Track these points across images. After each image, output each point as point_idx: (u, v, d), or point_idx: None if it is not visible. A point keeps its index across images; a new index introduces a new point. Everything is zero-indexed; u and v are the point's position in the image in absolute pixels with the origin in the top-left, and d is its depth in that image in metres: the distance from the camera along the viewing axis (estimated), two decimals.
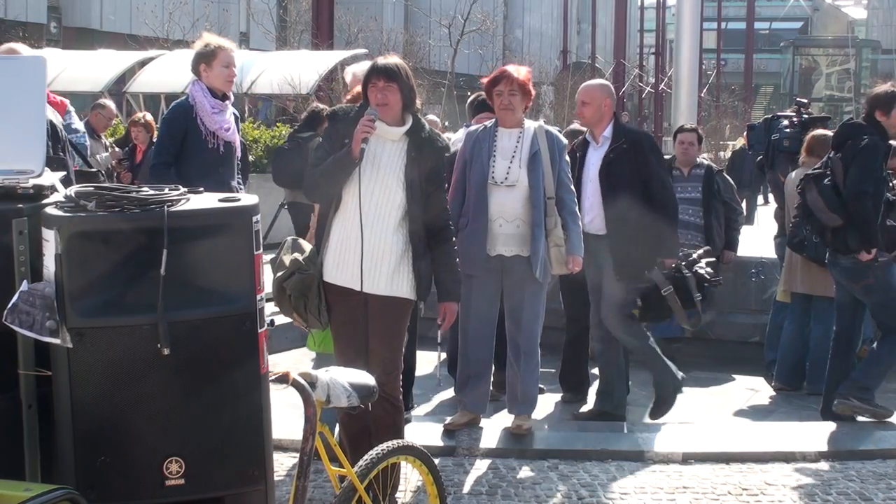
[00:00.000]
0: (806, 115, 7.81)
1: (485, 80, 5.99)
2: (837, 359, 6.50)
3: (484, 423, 6.17)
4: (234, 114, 6.24)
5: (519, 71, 5.84)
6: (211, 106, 5.95)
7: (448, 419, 6.06)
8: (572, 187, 5.90)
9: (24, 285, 3.23)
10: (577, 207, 5.90)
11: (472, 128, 6.05)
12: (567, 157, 5.94)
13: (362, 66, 5.56)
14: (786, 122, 7.79)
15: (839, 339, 6.52)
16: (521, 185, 5.73)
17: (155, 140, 6.43)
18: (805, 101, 8.35)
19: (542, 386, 6.81)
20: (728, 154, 29.19)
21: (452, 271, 4.85)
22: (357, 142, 4.53)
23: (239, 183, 6.37)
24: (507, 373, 6.04)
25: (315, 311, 4.71)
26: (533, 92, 5.84)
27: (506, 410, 6.24)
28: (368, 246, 4.61)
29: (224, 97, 6.06)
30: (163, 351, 3.23)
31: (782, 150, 7.66)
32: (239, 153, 6.27)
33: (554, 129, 6.02)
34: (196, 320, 3.31)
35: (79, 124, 7.66)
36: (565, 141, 5.99)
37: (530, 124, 5.87)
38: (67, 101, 7.54)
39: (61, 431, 3.30)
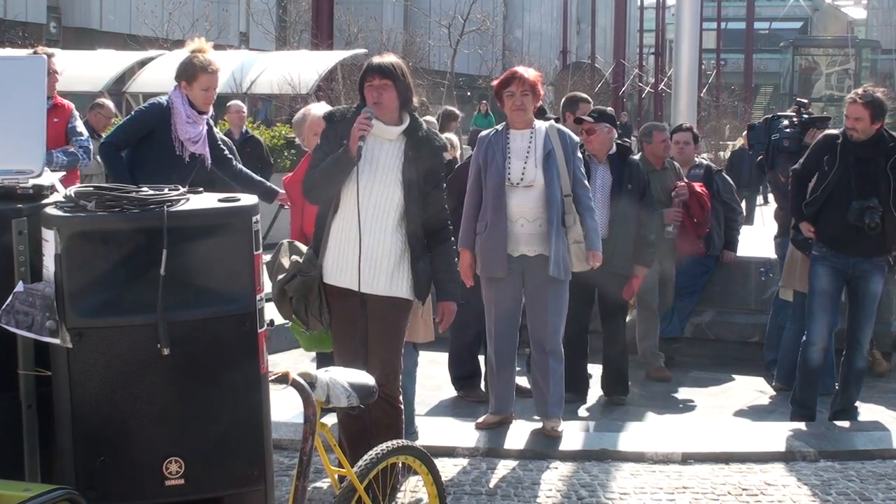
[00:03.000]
0: (806, 116, 7.79)
1: (495, 83, 5.99)
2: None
3: None
4: (209, 123, 6.25)
5: (528, 72, 5.86)
6: (187, 115, 5.98)
7: (480, 419, 6.08)
8: (586, 183, 5.97)
9: (20, 286, 3.23)
10: (592, 203, 5.98)
11: (484, 132, 6.09)
12: (581, 154, 5.99)
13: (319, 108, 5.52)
14: (786, 122, 7.78)
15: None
16: (538, 185, 5.76)
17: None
18: (805, 101, 8.34)
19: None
20: (727, 154, 29.18)
21: (450, 271, 4.85)
22: (354, 140, 4.53)
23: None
24: (532, 374, 6.07)
25: (316, 312, 4.70)
26: (542, 93, 5.88)
27: None
28: (367, 246, 4.60)
29: (201, 111, 6.06)
30: (163, 351, 3.23)
31: (782, 150, 7.64)
32: (209, 163, 6.27)
33: (565, 128, 6.06)
34: (196, 320, 3.31)
35: (83, 128, 7.62)
36: (577, 139, 6.05)
37: (541, 124, 5.91)
38: (73, 105, 7.52)
39: (61, 431, 3.30)
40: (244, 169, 6.61)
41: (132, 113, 6.41)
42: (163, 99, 6.16)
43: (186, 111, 5.97)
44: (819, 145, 6.55)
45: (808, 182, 6.55)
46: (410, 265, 4.69)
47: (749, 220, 17.26)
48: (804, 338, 6.59)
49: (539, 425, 5.99)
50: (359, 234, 4.59)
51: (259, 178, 6.70)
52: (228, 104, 12.99)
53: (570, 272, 5.88)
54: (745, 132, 11.22)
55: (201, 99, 6.05)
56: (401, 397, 4.81)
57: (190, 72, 6.00)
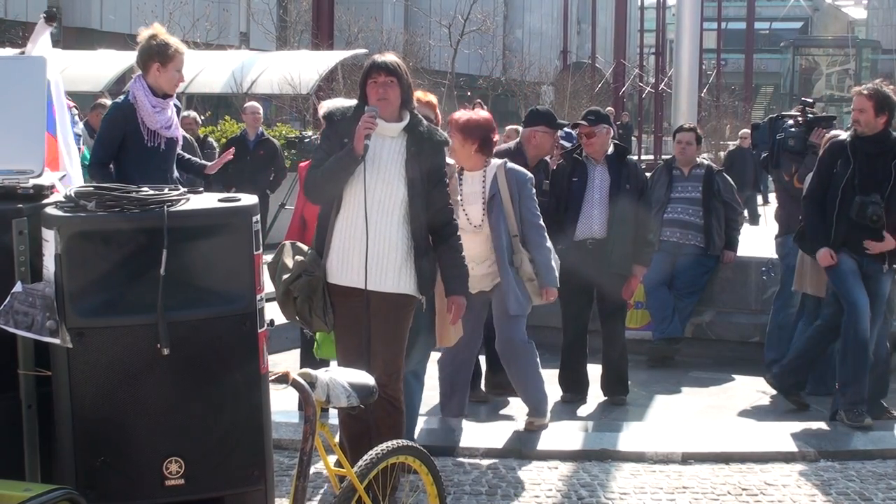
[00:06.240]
0: (811, 115, 7.78)
1: None
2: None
3: (483, 423, 6.22)
4: (176, 105, 6.21)
5: (460, 118, 5.89)
6: (152, 105, 5.90)
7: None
8: (538, 221, 6.03)
9: (18, 286, 3.23)
10: (545, 241, 6.05)
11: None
12: (532, 192, 6.04)
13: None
14: (791, 122, 7.77)
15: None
16: (485, 228, 5.87)
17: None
18: (811, 100, 8.32)
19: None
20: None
21: (457, 266, 4.86)
22: (360, 139, 4.53)
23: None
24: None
25: (320, 312, 4.70)
26: (476, 127, 5.81)
27: (504, 411, 6.57)
28: (373, 244, 4.60)
29: (166, 95, 6.00)
30: (163, 351, 3.23)
31: (787, 150, 7.64)
32: (179, 146, 6.26)
33: (514, 167, 6.10)
34: (196, 320, 3.31)
35: (76, 127, 7.59)
36: (529, 175, 6.12)
37: (493, 165, 5.97)
38: (72, 103, 7.51)
39: (61, 431, 3.30)
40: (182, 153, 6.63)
41: (101, 125, 6.36)
42: (121, 99, 6.10)
43: (151, 101, 5.89)
44: (829, 154, 6.52)
45: (822, 200, 6.45)
46: (415, 261, 4.70)
47: (755, 220, 17.23)
48: (846, 317, 6.37)
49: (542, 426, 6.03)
50: (366, 232, 4.59)
51: (189, 156, 6.69)
52: (244, 106, 13.09)
53: (529, 305, 6.05)
54: (741, 132, 11.22)
55: (174, 80, 5.97)
56: (402, 398, 4.81)
57: (168, 52, 5.91)
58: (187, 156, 6.62)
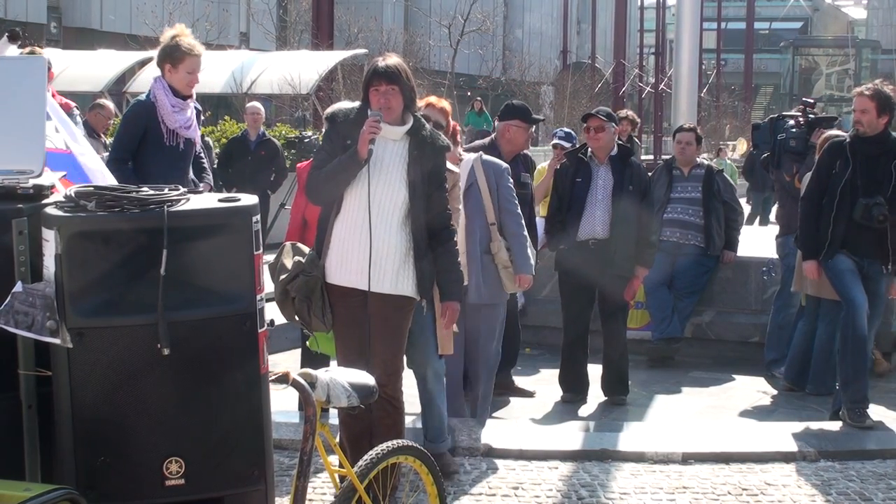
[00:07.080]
0: (812, 116, 7.78)
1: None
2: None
3: (483, 423, 6.19)
4: (197, 108, 6.26)
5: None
6: (172, 105, 5.95)
7: None
8: (515, 210, 6.15)
9: (19, 286, 3.23)
10: (521, 229, 6.16)
11: None
12: (509, 182, 6.14)
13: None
14: (792, 122, 7.76)
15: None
16: (461, 217, 5.88)
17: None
18: (811, 101, 8.32)
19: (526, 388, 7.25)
20: (735, 154, 28.95)
21: (453, 271, 4.86)
22: (364, 143, 4.53)
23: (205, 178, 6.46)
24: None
25: (318, 312, 4.70)
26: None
27: (503, 411, 6.60)
28: (374, 245, 4.61)
29: (186, 96, 6.05)
30: (163, 351, 3.22)
31: (788, 150, 7.64)
32: (198, 147, 6.31)
33: (491, 158, 6.22)
34: (196, 320, 3.31)
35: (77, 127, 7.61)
36: (504, 165, 6.24)
37: (469, 158, 6.06)
38: (73, 104, 7.52)
39: (61, 431, 3.30)
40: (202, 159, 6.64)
41: (121, 122, 6.39)
42: (143, 97, 6.16)
43: (171, 100, 5.95)
44: (828, 154, 6.49)
45: (820, 202, 6.41)
46: (414, 263, 4.70)
47: (766, 221, 17.18)
48: (844, 315, 6.32)
49: (539, 425, 6.03)
50: (369, 233, 4.59)
51: (204, 163, 6.68)
52: (246, 106, 13.18)
53: (499, 296, 6.14)
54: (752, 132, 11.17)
55: (185, 82, 6.02)
56: (402, 397, 4.82)
57: (176, 54, 5.97)
58: (204, 162, 6.62)
